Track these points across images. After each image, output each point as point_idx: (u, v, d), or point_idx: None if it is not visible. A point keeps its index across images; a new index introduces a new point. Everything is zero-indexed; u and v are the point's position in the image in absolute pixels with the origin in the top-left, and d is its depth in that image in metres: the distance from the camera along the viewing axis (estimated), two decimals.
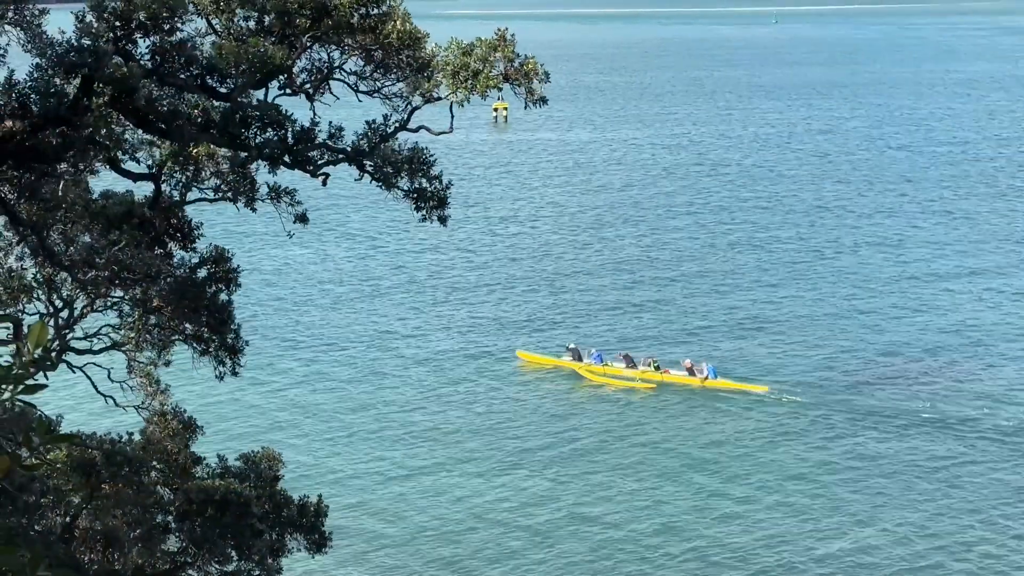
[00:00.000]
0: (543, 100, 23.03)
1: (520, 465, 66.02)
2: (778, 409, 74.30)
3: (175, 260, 25.27)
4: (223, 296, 25.96)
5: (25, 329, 5.11)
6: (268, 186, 23.36)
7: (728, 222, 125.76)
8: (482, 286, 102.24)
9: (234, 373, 26.19)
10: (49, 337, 5.40)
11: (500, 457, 67.22)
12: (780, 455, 67.68)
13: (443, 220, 23.52)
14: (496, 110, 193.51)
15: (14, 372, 5.14)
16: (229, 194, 23.97)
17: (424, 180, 23.02)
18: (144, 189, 24.22)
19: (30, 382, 5.22)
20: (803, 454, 67.83)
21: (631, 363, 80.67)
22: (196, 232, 24.15)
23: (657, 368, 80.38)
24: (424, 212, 23.25)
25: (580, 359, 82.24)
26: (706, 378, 78.60)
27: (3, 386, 5.15)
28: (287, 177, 22.66)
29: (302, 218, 23.79)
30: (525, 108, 23.52)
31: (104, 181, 24.80)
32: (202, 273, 25.74)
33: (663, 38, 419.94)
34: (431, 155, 23.06)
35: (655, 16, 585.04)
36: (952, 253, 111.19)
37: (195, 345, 26.01)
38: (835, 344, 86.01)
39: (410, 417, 73.77)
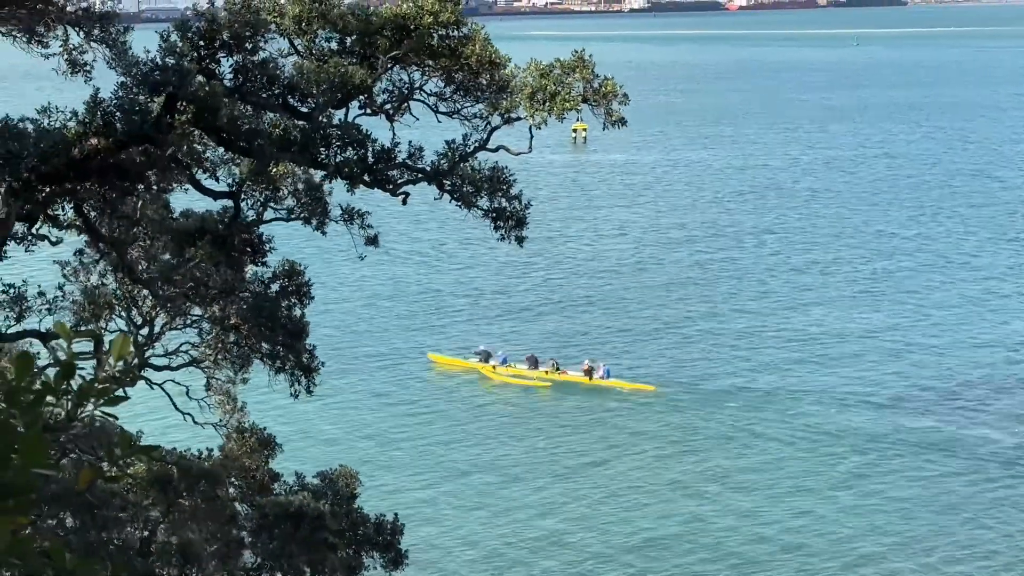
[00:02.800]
0: (622, 121, 22.96)
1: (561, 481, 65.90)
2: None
3: (248, 275, 25.45)
4: (297, 311, 26.12)
5: (106, 345, 5.12)
6: (341, 208, 23.46)
7: (778, 244, 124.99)
8: (554, 303, 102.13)
9: (308, 391, 26.33)
10: (130, 351, 5.40)
11: (554, 473, 67.10)
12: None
13: (520, 240, 23.49)
14: (575, 131, 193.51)
15: (96, 386, 5.16)
16: (304, 214, 24.12)
17: (504, 200, 23.00)
18: (221, 207, 24.39)
19: (112, 395, 5.24)
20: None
21: (534, 364, 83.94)
22: (267, 246, 24.29)
23: (557, 369, 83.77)
24: (503, 232, 23.24)
25: (488, 360, 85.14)
26: (602, 378, 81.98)
27: (86, 399, 5.18)
28: (361, 198, 22.76)
29: (373, 241, 23.88)
30: (604, 129, 23.48)
31: (184, 199, 25.05)
32: (275, 287, 25.92)
33: (740, 60, 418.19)
34: (511, 175, 23.03)
35: (733, 37, 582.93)
36: (1014, 278, 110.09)
37: (270, 363, 26.20)
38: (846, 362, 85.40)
39: (484, 435, 73.77)
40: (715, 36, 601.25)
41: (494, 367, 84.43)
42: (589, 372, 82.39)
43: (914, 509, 63.46)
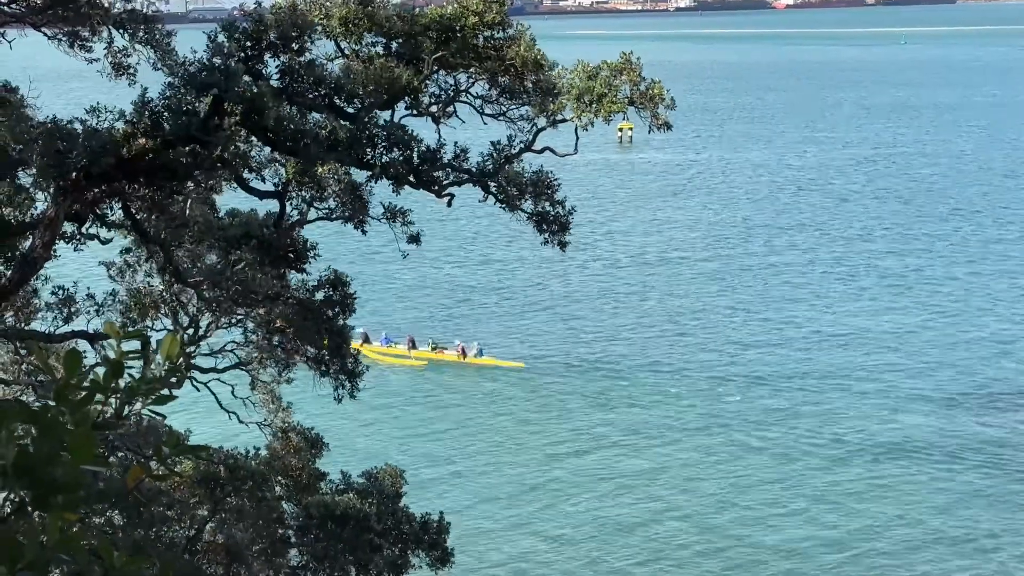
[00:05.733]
0: (667, 125, 22.91)
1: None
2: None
3: (292, 281, 25.50)
4: (340, 321, 26.17)
5: (154, 344, 5.15)
6: (383, 206, 23.48)
7: (790, 247, 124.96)
8: (593, 299, 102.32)
9: (352, 396, 26.39)
10: (178, 351, 5.44)
11: (598, 476, 67.09)
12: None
13: (563, 245, 23.52)
14: (621, 130, 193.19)
15: (145, 385, 5.20)
16: (344, 213, 24.13)
17: (548, 204, 22.99)
18: (266, 207, 24.45)
19: (160, 394, 5.27)
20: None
21: (413, 344, 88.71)
22: (311, 253, 24.32)
23: (435, 348, 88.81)
24: (546, 236, 23.25)
25: (369, 341, 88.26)
26: (475, 356, 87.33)
27: (135, 398, 5.21)
28: (406, 199, 22.78)
29: (415, 239, 23.90)
30: (649, 132, 23.42)
31: (229, 199, 25.14)
32: (319, 296, 25.95)
33: (786, 59, 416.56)
34: (555, 179, 23.00)
35: (779, 36, 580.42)
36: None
37: (315, 367, 26.28)
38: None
39: (527, 431, 73.82)
40: (761, 35, 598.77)
41: (376, 349, 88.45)
42: (463, 351, 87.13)
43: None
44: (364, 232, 24.14)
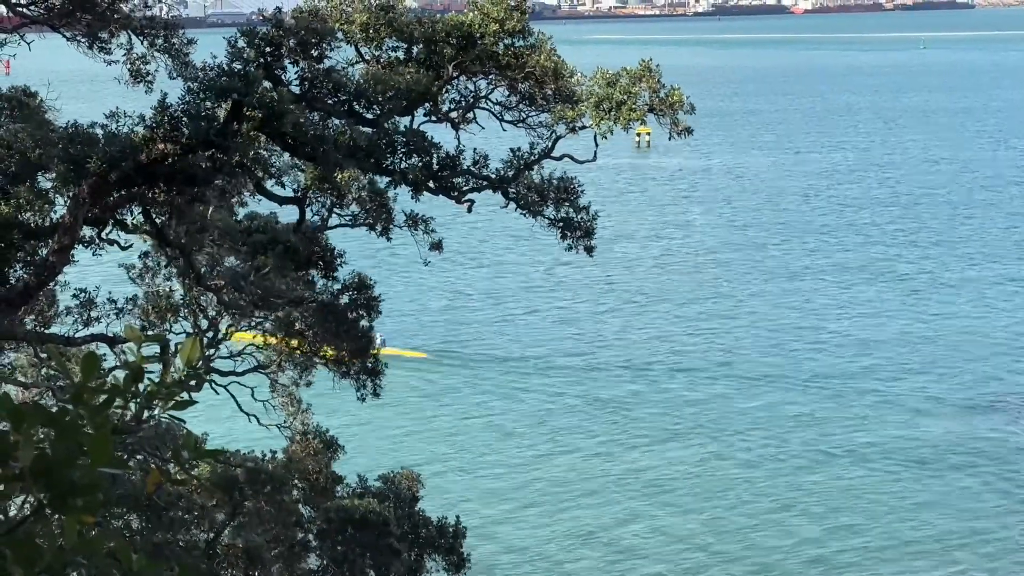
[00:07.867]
0: (688, 131, 22.87)
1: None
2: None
3: (318, 286, 25.52)
4: (364, 323, 26.17)
5: (173, 348, 5.15)
6: (405, 214, 23.49)
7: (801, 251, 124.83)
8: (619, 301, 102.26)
9: (375, 394, 26.39)
10: (198, 355, 5.43)
11: (623, 478, 66.98)
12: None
13: (589, 250, 23.49)
14: (639, 135, 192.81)
15: (164, 389, 5.20)
16: (368, 220, 24.13)
17: (571, 210, 22.96)
18: (288, 212, 24.47)
19: (179, 398, 5.27)
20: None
21: None
22: (339, 260, 24.32)
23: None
24: (570, 242, 23.20)
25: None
26: (379, 346, 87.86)
27: (154, 402, 5.22)
28: (426, 206, 22.79)
29: (438, 246, 23.89)
30: (669, 139, 23.37)
31: (249, 204, 25.17)
32: (344, 299, 25.97)
33: (805, 64, 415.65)
34: (579, 185, 22.98)
35: (798, 41, 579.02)
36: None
37: (335, 368, 26.28)
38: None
39: (546, 437, 73.66)
40: (779, 40, 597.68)
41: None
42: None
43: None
44: (389, 239, 24.17)
